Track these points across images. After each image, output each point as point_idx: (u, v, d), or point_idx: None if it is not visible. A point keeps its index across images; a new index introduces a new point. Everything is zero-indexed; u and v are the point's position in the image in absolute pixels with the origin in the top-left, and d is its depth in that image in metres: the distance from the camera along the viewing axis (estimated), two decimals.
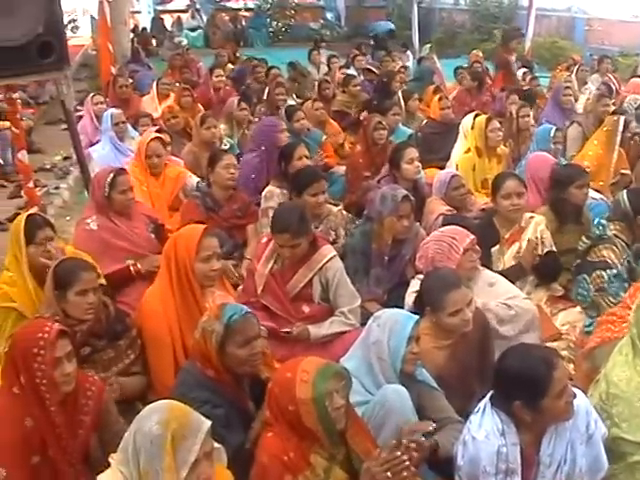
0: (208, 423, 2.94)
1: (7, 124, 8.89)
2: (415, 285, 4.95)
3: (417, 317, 3.93)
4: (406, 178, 6.61)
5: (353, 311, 5.01)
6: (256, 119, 9.83)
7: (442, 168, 7.87)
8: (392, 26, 25.55)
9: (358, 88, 11.32)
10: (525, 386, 3.25)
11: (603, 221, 5.33)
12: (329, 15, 29.59)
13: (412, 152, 6.67)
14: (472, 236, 4.90)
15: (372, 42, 20.76)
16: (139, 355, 4.45)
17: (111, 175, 5.62)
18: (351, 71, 13.76)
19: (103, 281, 4.65)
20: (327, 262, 5.01)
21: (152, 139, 7.09)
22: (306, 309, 5.00)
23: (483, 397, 3.54)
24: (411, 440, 3.38)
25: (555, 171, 6.09)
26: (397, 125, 8.96)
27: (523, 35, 12.57)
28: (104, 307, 4.33)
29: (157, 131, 7.73)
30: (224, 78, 12.09)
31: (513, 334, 4.74)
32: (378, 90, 11.25)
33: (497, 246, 5.57)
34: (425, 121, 9.59)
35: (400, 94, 10.27)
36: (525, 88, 11.14)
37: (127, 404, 4.16)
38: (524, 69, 13.09)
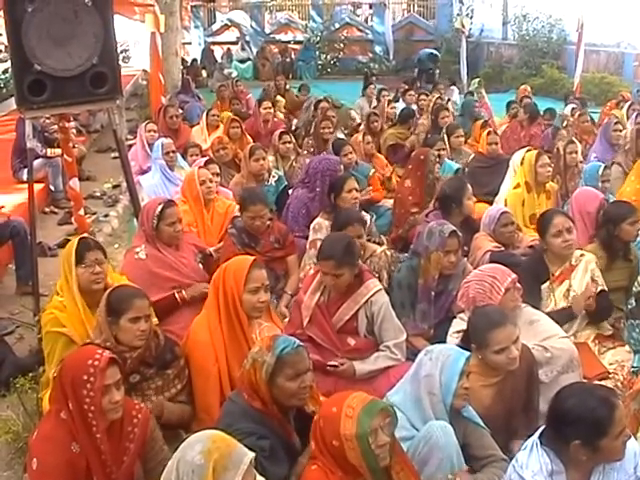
0: (251, 455, 2.93)
1: (59, 152, 9.06)
2: (457, 325, 4.94)
3: (469, 353, 3.92)
4: (465, 214, 6.64)
5: (398, 346, 4.99)
6: (304, 152, 9.87)
7: (490, 203, 7.87)
8: (434, 51, 25.55)
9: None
10: (587, 426, 3.19)
11: None
12: (377, 49, 29.81)
13: (470, 189, 6.73)
14: (513, 275, 4.81)
15: (416, 72, 20.89)
16: (185, 385, 4.46)
17: (160, 207, 5.68)
18: (400, 104, 13.81)
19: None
20: (372, 296, 4.99)
21: (198, 168, 7.19)
22: (351, 342, 4.98)
23: (529, 435, 3.51)
24: None
25: (605, 208, 6.03)
26: (443, 160, 8.94)
27: None
28: (154, 336, 4.35)
29: (206, 162, 7.82)
30: (272, 110, 12.16)
31: (551, 376, 4.64)
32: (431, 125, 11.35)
33: (547, 283, 5.50)
34: (473, 155, 9.56)
35: (444, 130, 10.25)
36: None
37: (171, 432, 4.17)
38: (573, 105, 13.04)
